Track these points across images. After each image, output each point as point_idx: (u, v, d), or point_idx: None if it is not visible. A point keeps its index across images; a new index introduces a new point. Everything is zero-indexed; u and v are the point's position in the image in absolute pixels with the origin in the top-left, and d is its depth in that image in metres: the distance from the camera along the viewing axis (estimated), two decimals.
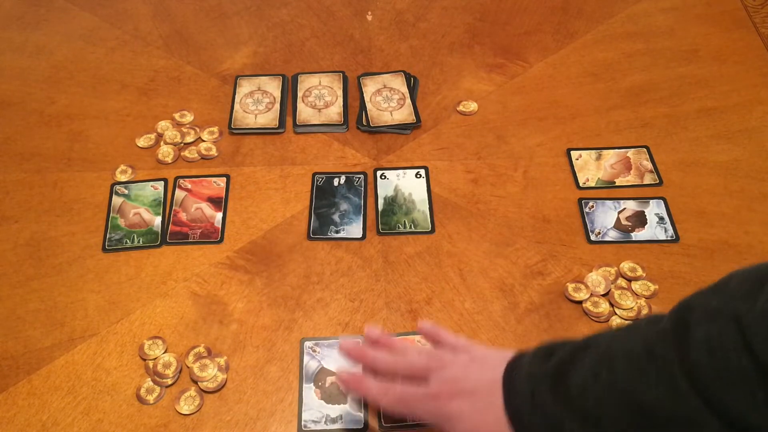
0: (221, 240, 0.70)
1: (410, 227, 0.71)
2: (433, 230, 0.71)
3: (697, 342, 0.36)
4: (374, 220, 0.72)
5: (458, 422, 0.46)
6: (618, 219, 0.71)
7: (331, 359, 0.61)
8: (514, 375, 0.45)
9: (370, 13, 0.96)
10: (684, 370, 0.36)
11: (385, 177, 0.75)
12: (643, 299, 0.64)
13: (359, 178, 0.75)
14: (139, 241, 0.70)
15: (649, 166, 0.75)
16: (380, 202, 0.73)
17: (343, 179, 0.75)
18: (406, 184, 0.75)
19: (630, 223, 0.70)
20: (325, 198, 0.74)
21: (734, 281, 0.39)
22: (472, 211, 0.72)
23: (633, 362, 0.39)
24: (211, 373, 0.59)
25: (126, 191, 0.74)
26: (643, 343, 0.40)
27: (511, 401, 0.44)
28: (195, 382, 0.59)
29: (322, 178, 0.76)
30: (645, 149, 0.77)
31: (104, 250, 0.69)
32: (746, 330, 0.35)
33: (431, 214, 0.72)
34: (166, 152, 0.78)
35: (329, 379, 0.59)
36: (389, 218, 0.72)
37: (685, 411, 0.36)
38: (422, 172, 0.76)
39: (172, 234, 0.70)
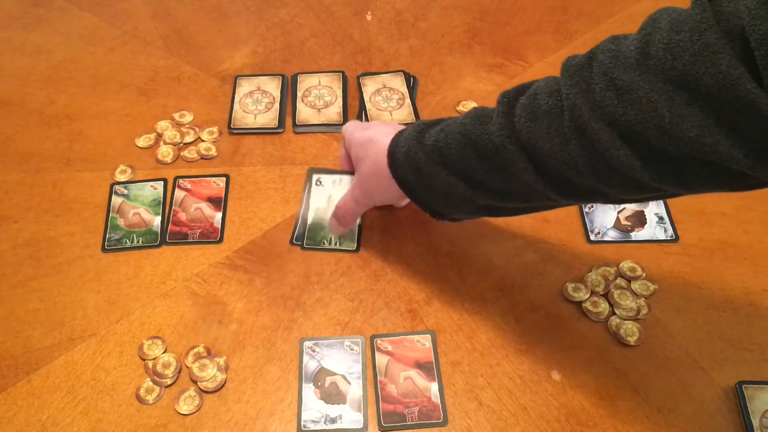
0: (221, 240, 0.70)
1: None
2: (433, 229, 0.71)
3: (528, 94, 0.49)
4: None
5: (363, 161, 0.63)
6: (617, 219, 0.71)
7: (331, 359, 0.61)
8: (399, 133, 0.60)
9: (369, 12, 0.96)
10: (510, 118, 0.49)
11: None
12: (643, 299, 0.64)
13: None
14: (138, 241, 0.70)
15: None
16: None
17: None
18: None
19: (629, 223, 0.70)
20: None
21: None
22: None
23: (479, 116, 0.52)
24: (210, 373, 0.59)
25: (125, 191, 0.74)
26: (492, 110, 0.53)
27: (390, 148, 0.59)
28: (194, 382, 0.59)
29: None
30: None
31: (104, 250, 0.69)
32: (561, 81, 0.47)
33: None
34: (165, 152, 0.78)
35: (329, 379, 0.59)
36: None
37: (504, 144, 0.49)
38: None
39: (172, 234, 0.70)
